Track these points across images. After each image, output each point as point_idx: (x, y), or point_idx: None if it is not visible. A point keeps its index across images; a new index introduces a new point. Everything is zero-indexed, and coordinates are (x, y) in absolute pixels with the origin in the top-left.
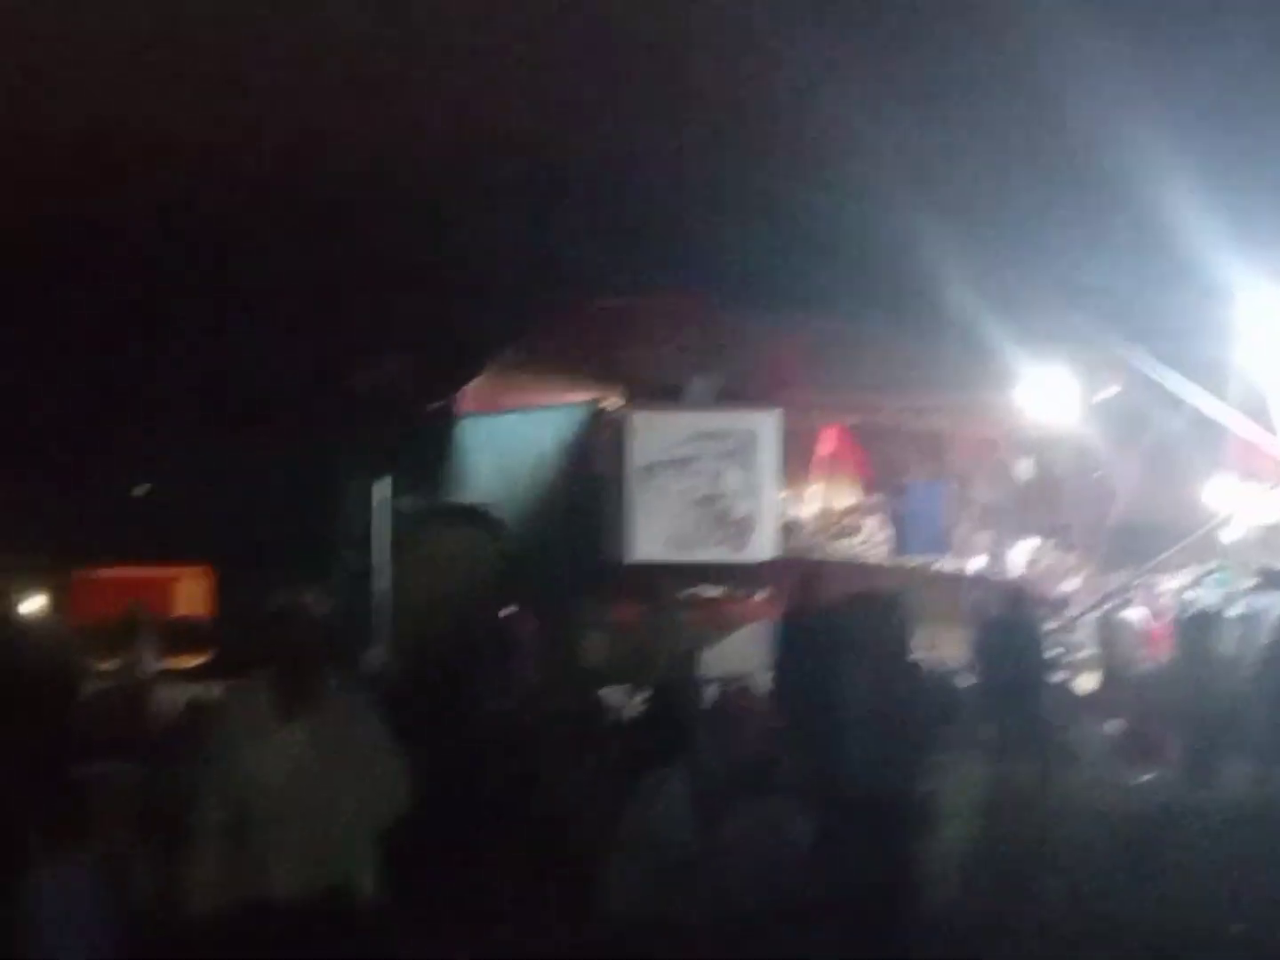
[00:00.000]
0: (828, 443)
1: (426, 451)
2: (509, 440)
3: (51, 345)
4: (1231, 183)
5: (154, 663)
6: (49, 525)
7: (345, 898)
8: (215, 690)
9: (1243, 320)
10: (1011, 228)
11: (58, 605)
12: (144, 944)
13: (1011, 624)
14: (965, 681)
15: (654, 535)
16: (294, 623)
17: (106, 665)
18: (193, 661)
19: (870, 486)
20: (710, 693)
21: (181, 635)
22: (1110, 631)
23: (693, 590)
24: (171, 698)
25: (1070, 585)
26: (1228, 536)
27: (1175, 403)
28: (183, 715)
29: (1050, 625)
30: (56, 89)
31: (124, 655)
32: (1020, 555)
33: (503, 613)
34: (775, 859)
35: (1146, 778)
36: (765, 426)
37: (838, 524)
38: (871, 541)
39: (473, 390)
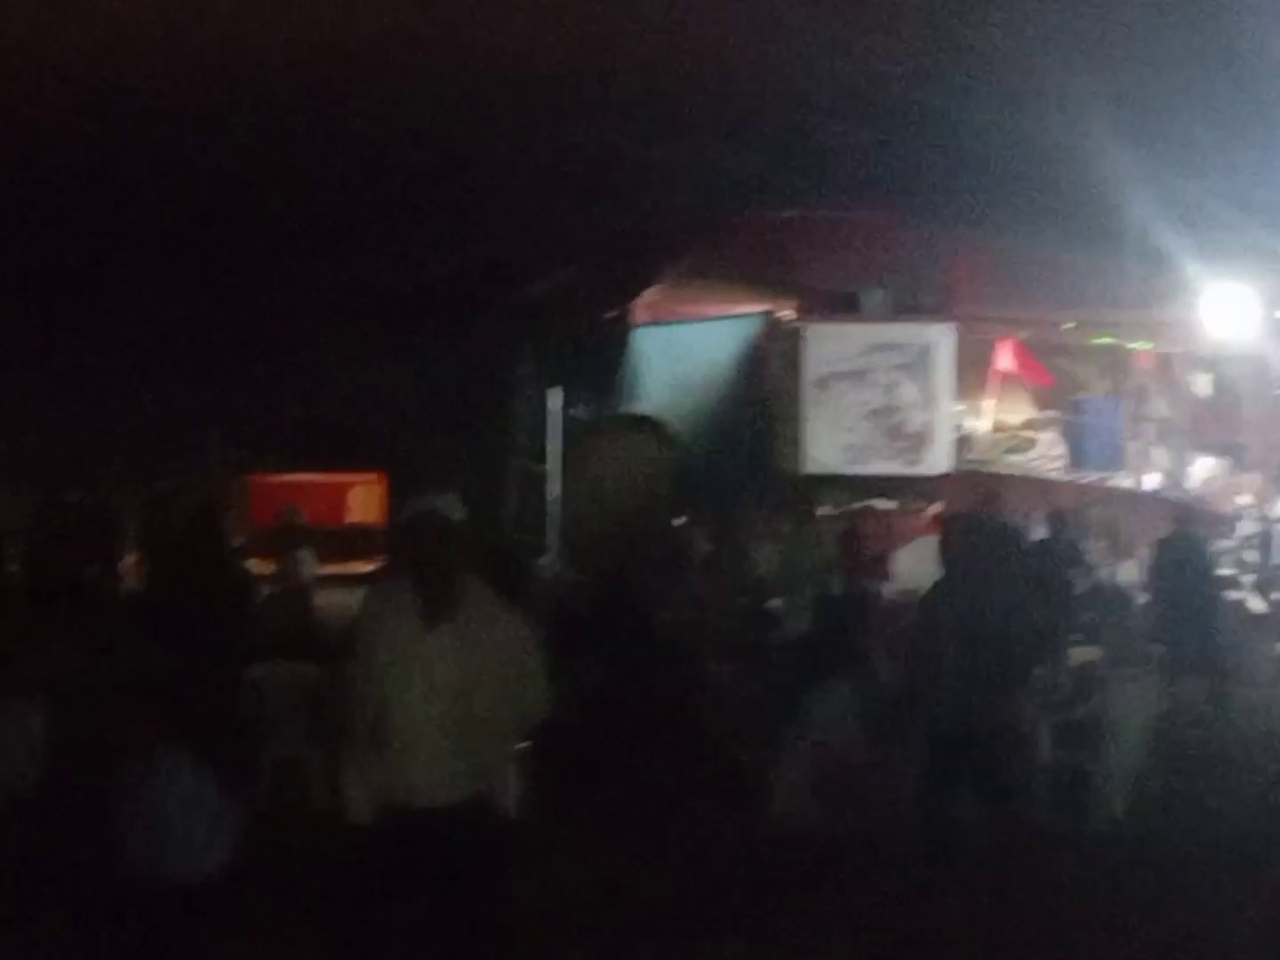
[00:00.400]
0: (1003, 356)
1: (601, 360)
2: (684, 350)
3: (229, 253)
4: None
5: (314, 567)
6: (229, 431)
7: (489, 804)
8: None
9: None
10: (1193, 140)
11: (235, 509)
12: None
13: (1186, 541)
14: (1139, 598)
15: (828, 447)
16: (428, 529)
17: (275, 568)
18: (367, 567)
19: (1046, 401)
20: (881, 605)
21: (356, 540)
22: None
23: (866, 503)
24: (344, 602)
25: (1246, 503)
26: None
27: None
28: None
29: (1225, 543)
30: None
31: (287, 558)
32: (1197, 472)
33: (675, 522)
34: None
35: None
36: (941, 339)
37: (1012, 438)
38: (1046, 457)
39: (648, 300)
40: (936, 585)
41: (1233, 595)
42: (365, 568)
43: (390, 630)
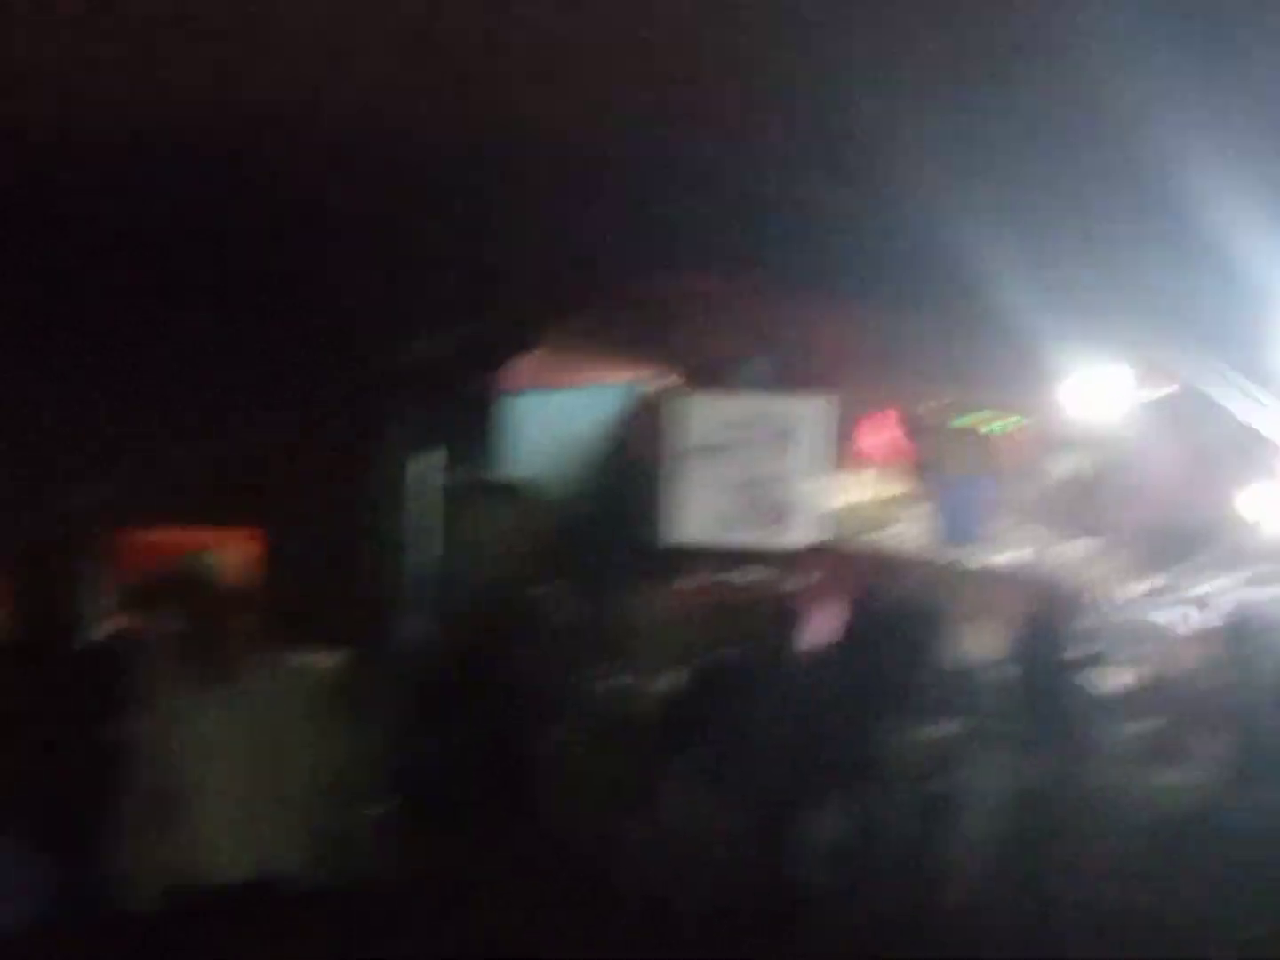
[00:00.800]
0: (874, 432)
1: (473, 426)
2: (557, 417)
3: (108, 304)
4: None
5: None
6: (98, 485)
7: (291, 878)
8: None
9: None
10: (1068, 224)
11: (104, 563)
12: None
13: (1050, 621)
14: (998, 675)
15: (697, 518)
16: (191, 587)
17: (142, 622)
18: (233, 623)
19: (915, 477)
20: (747, 676)
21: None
22: (1147, 633)
23: (733, 574)
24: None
25: (1111, 585)
26: (1271, 541)
27: (1227, 406)
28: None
29: (1088, 624)
30: None
31: (162, 612)
32: (1062, 553)
33: (541, 590)
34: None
35: (1178, 780)
36: (813, 412)
37: (881, 513)
38: (913, 533)
39: (523, 366)
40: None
41: (1091, 675)
42: (233, 624)
43: (166, 693)
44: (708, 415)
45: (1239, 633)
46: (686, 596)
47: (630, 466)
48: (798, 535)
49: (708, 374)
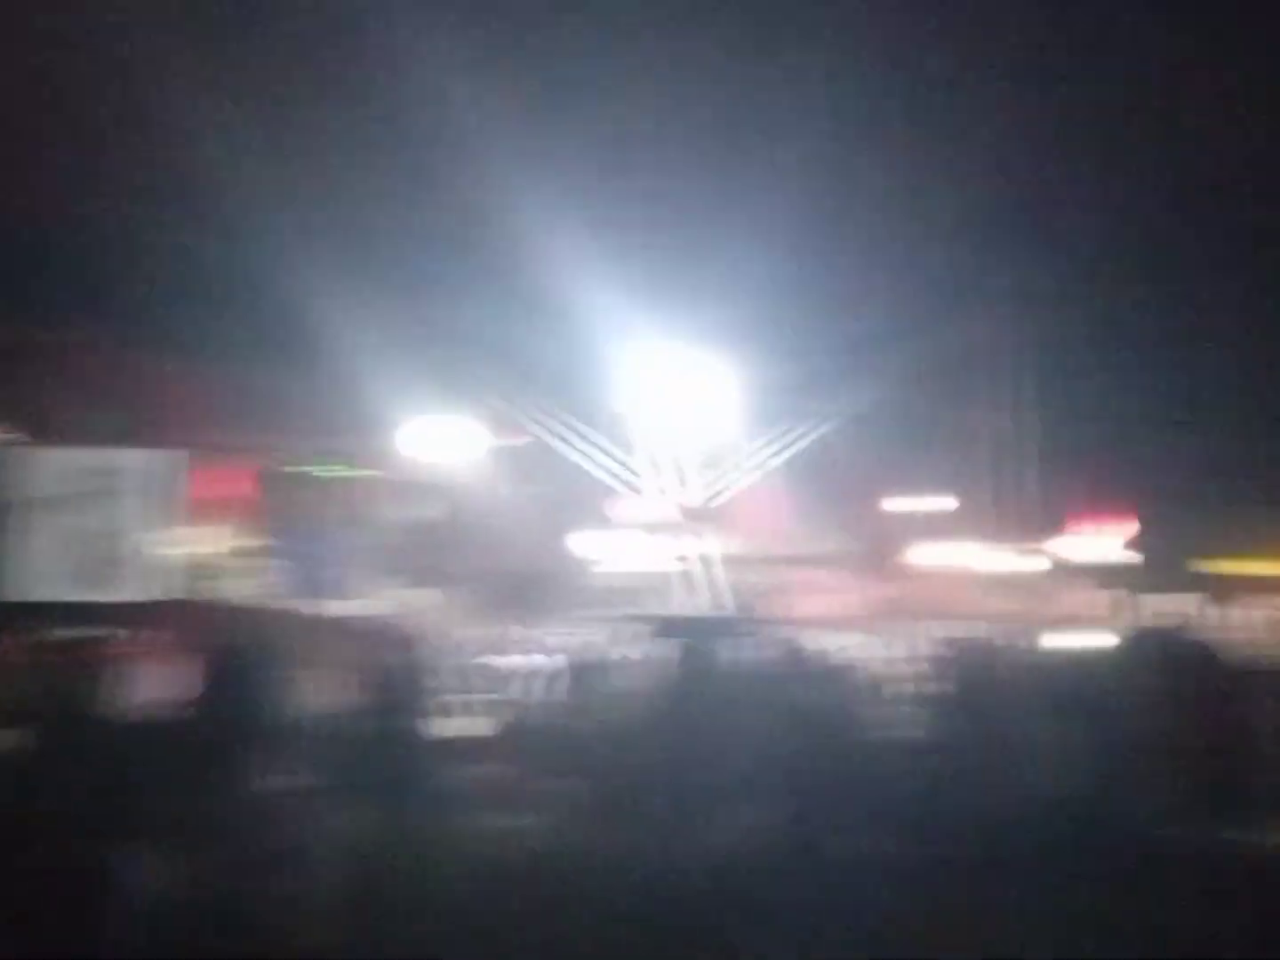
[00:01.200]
0: (223, 484)
1: None
2: None
3: None
4: (636, 258)
5: None
6: None
7: None
8: None
9: (632, 381)
10: (418, 280)
11: None
12: None
13: (396, 669)
14: (345, 726)
15: (38, 572)
16: None
17: None
18: None
19: (261, 529)
20: (101, 734)
21: None
22: (492, 678)
23: (78, 630)
24: None
25: (458, 629)
26: (615, 585)
27: (569, 456)
28: None
29: (434, 671)
30: None
31: None
32: (409, 600)
33: None
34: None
35: (526, 822)
36: (157, 465)
37: (226, 565)
38: (261, 583)
39: None
40: None
41: (437, 722)
42: None
43: None
44: (46, 468)
45: (581, 674)
46: (19, 653)
47: None
48: (140, 589)
49: (48, 427)
